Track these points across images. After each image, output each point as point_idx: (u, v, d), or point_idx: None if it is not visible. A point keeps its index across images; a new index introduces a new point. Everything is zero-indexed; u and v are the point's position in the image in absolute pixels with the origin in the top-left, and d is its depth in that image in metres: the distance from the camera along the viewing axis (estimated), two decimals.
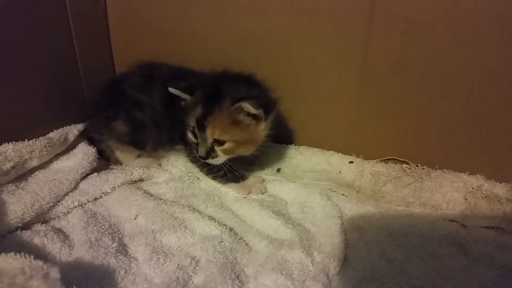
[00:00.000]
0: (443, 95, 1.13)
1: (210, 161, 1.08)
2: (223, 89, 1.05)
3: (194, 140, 1.10)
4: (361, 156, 1.31)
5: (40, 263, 0.69)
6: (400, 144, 1.25)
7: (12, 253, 0.71)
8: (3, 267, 0.67)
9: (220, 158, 1.08)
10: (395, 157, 1.27)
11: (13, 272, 0.65)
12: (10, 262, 0.69)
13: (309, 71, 1.24)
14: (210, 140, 1.05)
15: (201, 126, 1.04)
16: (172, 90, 1.08)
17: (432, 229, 1.03)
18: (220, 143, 1.05)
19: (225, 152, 1.07)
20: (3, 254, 0.70)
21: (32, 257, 0.71)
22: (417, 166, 1.24)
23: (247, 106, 1.00)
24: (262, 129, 1.08)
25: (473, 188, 1.14)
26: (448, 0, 1.03)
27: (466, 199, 1.10)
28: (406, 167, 1.25)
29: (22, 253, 0.71)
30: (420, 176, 1.20)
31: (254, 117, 1.04)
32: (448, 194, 1.13)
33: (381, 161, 1.28)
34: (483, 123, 1.12)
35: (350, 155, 1.32)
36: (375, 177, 1.22)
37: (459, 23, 1.04)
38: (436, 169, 1.22)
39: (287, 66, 1.25)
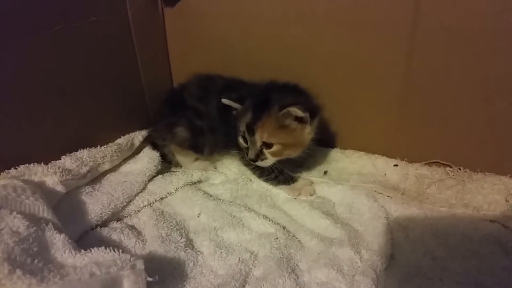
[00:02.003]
0: (485, 101, 1.17)
1: (259, 163, 1.17)
2: (271, 98, 1.13)
3: (244, 144, 1.19)
4: (406, 159, 1.35)
5: (128, 255, 0.80)
6: (443, 148, 1.29)
7: (103, 247, 0.82)
8: (99, 259, 0.79)
9: (268, 160, 1.16)
10: (438, 161, 1.31)
11: (108, 263, 0.76)
12: (103, 255, 0.81)
13: (354, 78, 1.30)
14: (259, 143, 1.14)
15: (250, 131, 1.13)
16: (225, 101, 1.18)
17: (474, 229, 1.06)
18: (268, 146, 1.14)
19: (273, 154, 1.15)
20: (97, 248, 0.82)
21: (120, 250, 0.82)
22: (460, 169, 1.28)
23: (295, 110, 1.08)
24: (308, 132, 1.16)
25: None
26: (490, 11, 1.07)
27: (507, 200, 1.13)
28: (449, 170, 1.28)
29: (111, 247, 0.83)
30: (463, 179, 1.24)
31: (300, 121, 1.12)
32: (490, 196, 1.16)
33: (425, 164, 1.32)
34: None
35: (395, 158, 1.36)
36: (419, 180, 1.26)
37: (501, 33, 1.08)
38: (478, 172, 1.26)
39: (333, 74, 1.31)
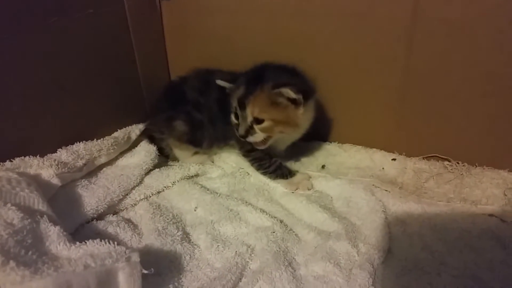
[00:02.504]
0: (484, 96, 1.16)
1: (249, 138, 1.14)
2: (265, 75, 1.13)
3: (235, 121, 1.17)
4: (404, 153, 1.35)
5: (123, 248, 0.80)
6: (442, 142, 1.29)
7: (98, 240, 0.82)
8: (94, 251, 0.79)
9: (258, 135, 1.13)
10: (437, 155, 1.31)
11: (103, 256, 0.76)
12: (98, 247, 0.80)
13: (353, 72, 1.29)
14: (249, 119, 1.12)
15: (242, 105, 1.12)
16: (219, 82, 1.18)
17: (472, 223, 1.06)
18: (259, 121, 1.11)
19: (263, 130, 1.13)
20: (92, 240, 0.81)
21: (115, 243, 0.81)
22: (458, 163, 1.28)
23: (287, 91, 1.07)
24: (301, 113, 1.13)
25: None
26: (489, 5, 1.06)
27: (505, 195, 1.13)
28: (448, 164, 1.28)
29: (106, 240, 0.82)
30: (461, 173, 1.24)
31: (293, 101, 1.11)
32: (488, 190, 1.16)
33: (423, 158, 1.32)
34: None
35: (393, 152, 1.36)
36: (418, 174, 1.26)
37: (500, 27, 1.07)
38: (476, 166, 1.26)
39: (332, 68, 1.30)
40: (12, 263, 0.68)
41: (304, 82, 1.17)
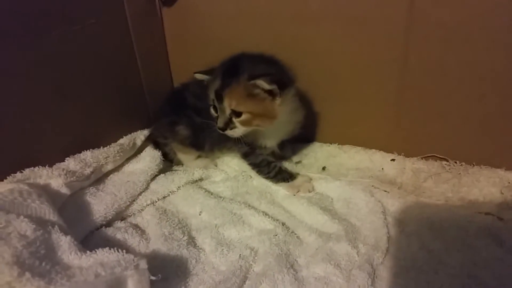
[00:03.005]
0: (480, 97, 1.19)
1: (229, 132, 1.13)
2: (241, 65, 1.11)
3: (215, 114, 1.16)
4: (403, 154, 1.38)
5: (131, 256, 0.84)
6: (440, 142, 1.31)
7: (107, 248, 0.86)
8: (104, 260, 0.82)
9: (238, 130, 1.13)
10: (435, 155, 1.33)
11: (112, 264, 0.80)
12: (107, 255, 0.84)
13: (351, 75, 1.32)
14: (228, 111, 1.11)
15: (219, 98, 1.11)
16: (197, 75, 1.18)
17: (469, 221, 1.08)
18: (237, 114, 1.10)
19: (242, 123, 1.12)
20: (102, 249, 0.85)
21: (124, 251, 0.85)
22: (456, 162, 1.30)
23: (261, 83, 1.06)
24: (278, 104, 1.11)
25: (509, 183, 1.19)
26: (484, 7, 1.08)
27: (502, 193, 1.16)
28: (445, 164, 1.31)
29: (115, 248, 0.86)
30: (459, 172, 1.26)
31: (270, 93, 1.09)
32: (485, 188, 1.18)
33: (421, 159, 1.34)
34: None
35: (392, 153, 1.39)
36: (416, 174, 1.29)
37: (495, 28, 1.09)
38: (474, 165, 1.28)
39: (330, 72, 1.33)
40: (28, 274, 0.72)
41: (282, 72, 1.15)
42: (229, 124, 1.13)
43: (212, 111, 1.18)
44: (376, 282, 0.94)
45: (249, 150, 1.27)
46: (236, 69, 1.10)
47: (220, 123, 1.13)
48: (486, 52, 1.13)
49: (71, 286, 0.72)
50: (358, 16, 1.23)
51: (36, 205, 0.92)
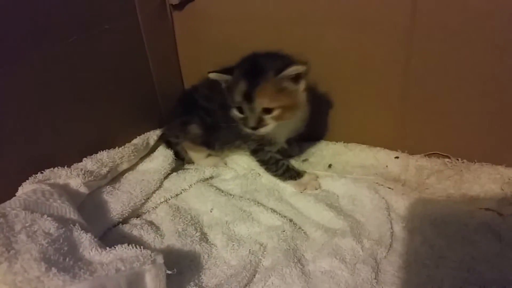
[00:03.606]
0: (481, 95, 1.21)
1: (261, 130, 1.15)
2: (262, 63, 1.13)
3: (240, 115, 1.17)
4: (406, 151, 1.40)
5: (148, 251, 0.89)
6: (442, 140, 1.34)
7: (126, 244, 0.91)
8: (123, 255, 0.88)
9: (269, 126, 1.14)
10: (437, 152, 1.36)
11: (131, 259, 0.85)
12: (126, 251, 0.89)
13: (356, 76, 1.34)
14: (258, 110, 1.12)
15: (248, 99, 1.11)
16: (212, 75, 1.19)
17: (470, 217, 1.11)
18: (269, 111, 1.12)
19: (274, 119, 1.14)
20: (121, 245, 0.90)
21: (141, 247, 0.90)
22: (458, 160, 1.33)
23: (293, 69, 1.09)
24: (303, 89, 1.15)
25: (509, 179, 1.21)
26: (485, 9, 1.11)
27: (502, 189, 1.18)
28: (448, 161, 1.33)
29: (133, 244, 0.91)
30: (460, 169, 1.29)
31: (295, 80, 1.12)
32: (486, 185, 1.20)
33: (424, 156, 1.37)
34: None
35: (396, 151, 1.41)
36: (419, 171, 1.31)
37: (496, 30, 1.12)
38: (475, 163, 1.30)
39: (336, 72, 1.35)
40: (54, 270, 0.77)
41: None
42: (260, 122, 1.14)
43: (236, 112, 1.18)
44: (379, 276, 0.98)
45: (258, 147, 1.31)
46: (258, 68, 1.13)
47: (252, 122, 1.14)
48: (487, 53, 1.16)
49: (93, 280, 0.78)
50: (363, 19, 1.26)
51: (58, 204, 0.98)
